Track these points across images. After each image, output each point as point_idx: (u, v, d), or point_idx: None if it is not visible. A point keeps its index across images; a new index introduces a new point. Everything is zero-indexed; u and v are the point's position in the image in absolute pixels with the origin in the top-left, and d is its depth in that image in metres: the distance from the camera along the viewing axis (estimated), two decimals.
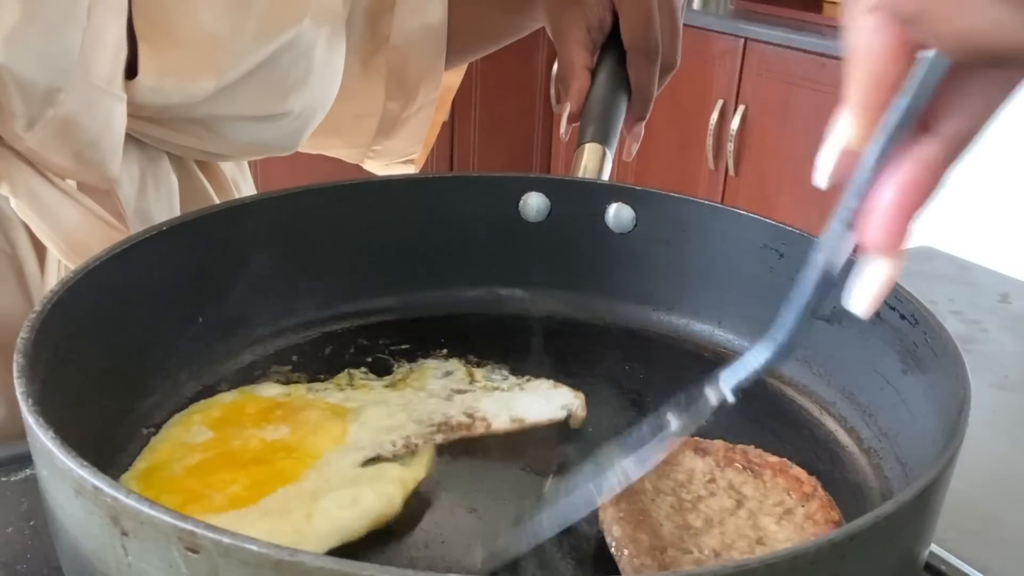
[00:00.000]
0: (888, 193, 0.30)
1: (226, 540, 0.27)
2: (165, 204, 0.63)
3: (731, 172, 2.32)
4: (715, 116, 2.31)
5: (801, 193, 2.18)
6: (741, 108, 2.26)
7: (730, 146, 2.29)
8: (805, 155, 2.14)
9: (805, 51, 2.10)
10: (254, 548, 0.27)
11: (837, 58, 2.03)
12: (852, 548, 0.30)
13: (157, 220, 0.62)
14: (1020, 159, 1.66)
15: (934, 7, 0.27)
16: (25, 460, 0.45)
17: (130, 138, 0.58)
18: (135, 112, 0.56)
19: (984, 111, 0.30)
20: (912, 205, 0.30)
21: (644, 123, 0.73)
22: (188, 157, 0.65)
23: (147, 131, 0.60)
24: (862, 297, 0.33)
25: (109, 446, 0.45)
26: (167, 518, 0.28)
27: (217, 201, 0.68)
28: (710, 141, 2.33)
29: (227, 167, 0.71)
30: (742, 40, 2.23)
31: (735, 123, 2.26)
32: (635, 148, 0.74)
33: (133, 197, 0.61)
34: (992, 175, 1.71)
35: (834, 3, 2.28)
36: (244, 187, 0.74)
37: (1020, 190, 1.67)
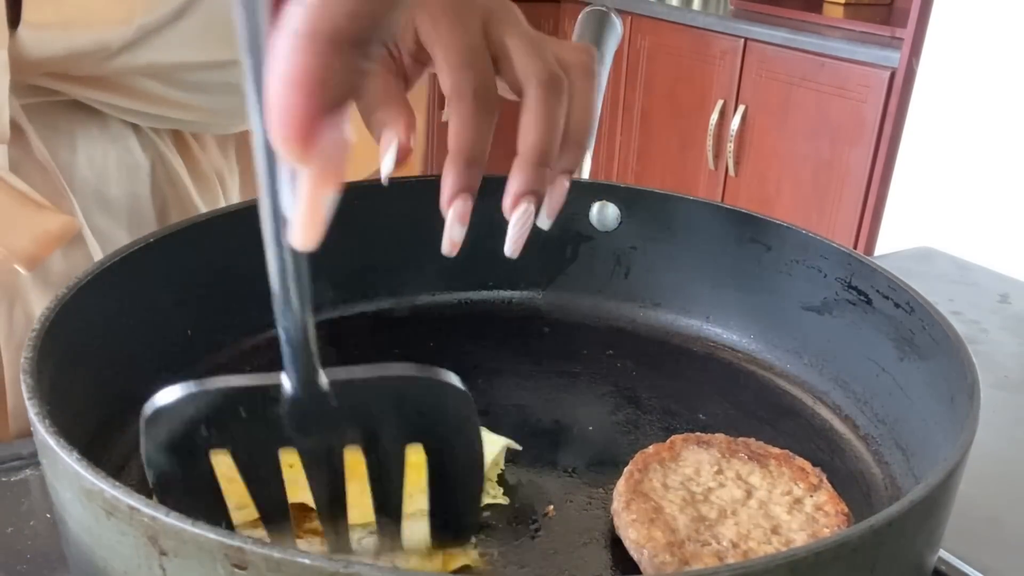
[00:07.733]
0: (275, 77, 0.25)
1: (276, 555, 0.26)
2: (126, 187, 0.59)
3: (731, 172, 2.32)
4: (715, 116, 2.31)
5: (801, 193, 2.18)
6: (741, 108, 2.25)
7: (730, 146, 2.29)
8: (805, 155, 2.15)
9: (805, 51, 2.10)
10: (306, 562, 0.26)
11: (837, 58, 2.04)
12: (889, 533, 0.30)
13: (115, 204, 0.59)
14: (1019, 159, 1.65)
15: None
16: (25, 460, 0.45)
17: (89, 111, 0.55)
18: (35, 68, 0.50)
19: None
20: (305, 84, 0.25)
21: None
22: (159, 127, 0.60)
23: (86, 94, 0.54)
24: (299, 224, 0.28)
25: (111, 464, 0.44)
26: (213, 535, 0.27)
27: (192, 187, 0.63)
28: (710, 141, 2.33)
29: (212, 155, 0.66)
30: (742, 40, 2.22)
31: (735, 123, 2.26)
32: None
33: (92, 177, 0.57)
34: (991, 175, 1.71)
35: (834, 3, 2.28)
36: (229, 178, 0.68)
37: (1020, 190, 1.67)
